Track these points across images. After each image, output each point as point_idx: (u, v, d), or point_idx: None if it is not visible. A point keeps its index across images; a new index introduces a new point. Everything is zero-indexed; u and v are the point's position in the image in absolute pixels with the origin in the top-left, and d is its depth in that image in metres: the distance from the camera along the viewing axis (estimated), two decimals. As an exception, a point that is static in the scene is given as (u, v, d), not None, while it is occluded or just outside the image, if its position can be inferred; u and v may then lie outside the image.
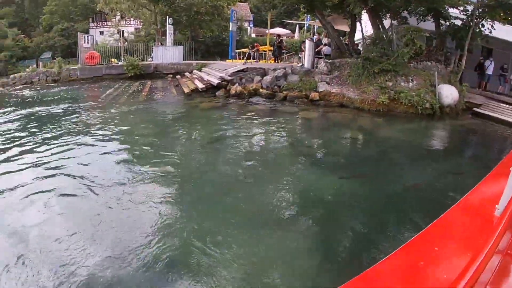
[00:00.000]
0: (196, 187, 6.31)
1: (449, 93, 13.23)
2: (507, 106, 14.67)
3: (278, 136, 9.76)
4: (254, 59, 22.57)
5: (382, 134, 10.65)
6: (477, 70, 17.17)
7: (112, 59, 26.48)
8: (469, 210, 2.03)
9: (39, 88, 22.13)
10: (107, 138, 9.52)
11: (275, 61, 21.83)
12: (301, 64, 17.72)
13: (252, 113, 12.42)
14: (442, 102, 13.04)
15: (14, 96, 19.66)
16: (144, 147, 8.54)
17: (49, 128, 10.80)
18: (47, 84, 23.52)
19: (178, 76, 21.68)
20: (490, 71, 16.81)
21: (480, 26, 14.57)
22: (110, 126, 10.77)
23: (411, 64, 14.77)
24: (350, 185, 6.45)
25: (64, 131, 10.30)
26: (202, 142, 9.25)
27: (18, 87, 23.63)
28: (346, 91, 13.80)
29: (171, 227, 4.80)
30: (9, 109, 14.62)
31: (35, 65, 32.81)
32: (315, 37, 19.24)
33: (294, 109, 13.22)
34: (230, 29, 24.03)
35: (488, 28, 14.44)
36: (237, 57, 21.45)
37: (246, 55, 21.46)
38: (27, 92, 20.34)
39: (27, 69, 29.05)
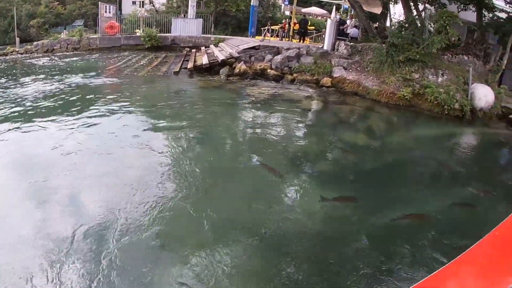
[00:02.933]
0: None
1: (483, 95, 11.36)
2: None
3: (265, 133, 7.99)
4: (281, 36, 21.07)
5: (395, 139, 8.93)
6: (520, 72, 14.97)
7: (136, 30, 25.60)
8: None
9: (56, 56, 21.34)
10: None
11: (300, 41, 20.16)
12: (321, 45, 15.96)
13: (248, 99, 10.91)
14: (474, 104, 11.20)
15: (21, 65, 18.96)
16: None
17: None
18: (67, 53, 22.85)
19: (193, 50, 20.32)
20: (536, 75, 14.58)
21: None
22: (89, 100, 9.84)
23: (445, 57, 12.89)
24: (337, 210, 5.00)
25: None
26: (163, 133, 7.67)
27: (38, 55, 23.01)
28: (364, 79, 12.08)
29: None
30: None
31: (66, 32, 32.47)
32: (337, 16, 17.37)
33: (298, 96, 11.60)
34: (252, 4, 22.25)
35: (538, 25, 12.27)
36: (267, 35, 19.91)
37: (264, 32, 19.83)
38: (39, 61, 19.47)
39: (51, 37, 28.67)
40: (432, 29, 12.37)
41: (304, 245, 4.15)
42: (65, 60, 19.43)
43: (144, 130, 7.47)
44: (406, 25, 13.14)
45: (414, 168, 7.38)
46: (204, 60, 15.44)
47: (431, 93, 10.99)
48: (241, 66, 13.63)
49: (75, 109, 8.75)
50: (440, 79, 11.70)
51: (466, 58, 13.08)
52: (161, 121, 8.23)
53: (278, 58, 13.62)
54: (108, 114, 8.49)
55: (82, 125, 7.52)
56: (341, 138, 8.50)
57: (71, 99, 9.91)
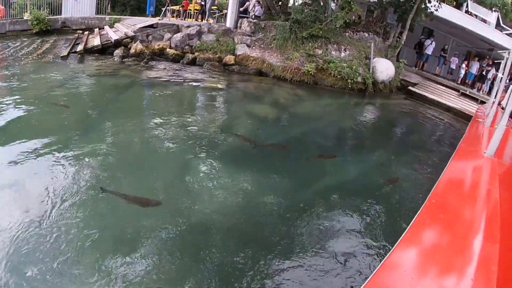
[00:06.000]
0: None
1: (384, 68, 11.57)
2: (443, 88, 13.57)
3: (167, 115, 6.87)
4: (183, 16, 19.69)
5: (301, 111, 8.53)
6: (417, 48, 15.87)
7: (25, 13, 22.32)
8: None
9: None
10: None
11: (202, 21, 19.03)
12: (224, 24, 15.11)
13: (144, 84, 9.53)
14: (376, 77, 11.33)
15: None
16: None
17: None
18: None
19: (86, 33, 18.13)
20: (429, 51, 15.45)
21: (427, 2, 12.84)
22: None
23: (347, 34, 12.88)
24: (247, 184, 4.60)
25: None
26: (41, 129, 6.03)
27: None
28: (268, 56, 11.51)
29: None
30: None
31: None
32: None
33: (200, 76, 10.58)
34: (149, -20, 20.48)
35: (434, 5, 12.76)
36: (168, 14, 18.37)
37: (164, 11, 18.44)
38: None
39: None
40: (334, 7, 12.28)
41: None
42: None
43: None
44: (309, 1, 12.93)
45: (318, 136, 7.14)
46: (96, 41, 13.69)
47: (334, 68, 10.84)
48: (137, 46, 12.23)
49: None
50: (342, 54, 11.61)
51: (366, 35, 13.22)
52: (37, 124, 6.44)
53: (178, 36, 12.48)
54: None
55: None
56: (251, 115, 7.79)
57: None
